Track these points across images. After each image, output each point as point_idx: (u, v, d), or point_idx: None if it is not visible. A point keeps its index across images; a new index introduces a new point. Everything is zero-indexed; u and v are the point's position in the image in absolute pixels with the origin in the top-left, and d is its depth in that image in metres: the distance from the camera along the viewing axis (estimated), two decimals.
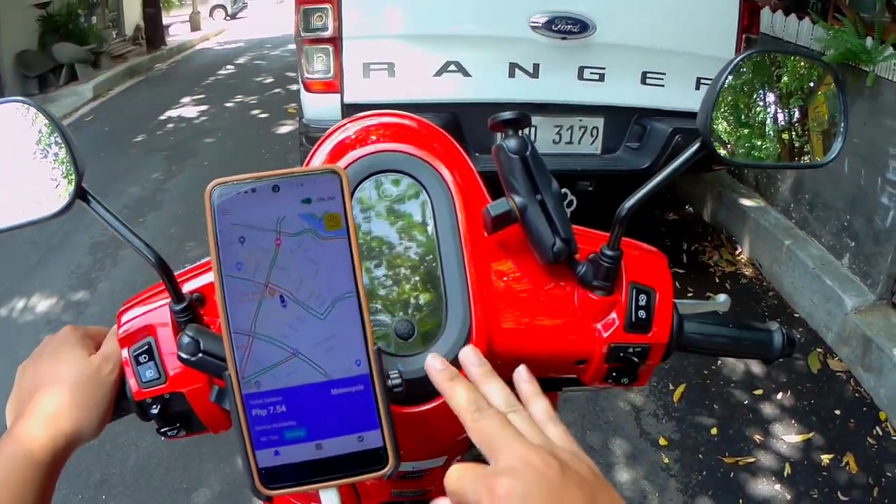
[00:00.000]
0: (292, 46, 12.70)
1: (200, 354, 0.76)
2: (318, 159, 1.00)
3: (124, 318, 0.95)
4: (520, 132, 0.91)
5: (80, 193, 0.88)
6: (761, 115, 0.98)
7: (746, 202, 5.34)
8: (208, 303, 0.94)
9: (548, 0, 3.94)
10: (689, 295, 4.55)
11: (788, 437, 3.51)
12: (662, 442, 3.49)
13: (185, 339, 0.77)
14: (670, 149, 4.15)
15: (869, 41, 4.10)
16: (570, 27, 3.96)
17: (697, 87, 4.23)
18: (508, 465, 0.61)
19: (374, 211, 0.89)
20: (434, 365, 0.72)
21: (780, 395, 3.78)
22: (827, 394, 3.79)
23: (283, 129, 9.19)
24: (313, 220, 0.68)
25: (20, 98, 0.93)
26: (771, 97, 0.98)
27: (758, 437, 3.52)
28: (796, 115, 0.99)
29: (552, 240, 0.88)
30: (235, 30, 25.43)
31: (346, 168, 0.89)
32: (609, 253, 0.90)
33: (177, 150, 8.63)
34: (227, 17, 31.53)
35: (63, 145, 0.90)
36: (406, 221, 0.89)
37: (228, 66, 15.62)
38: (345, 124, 1.06)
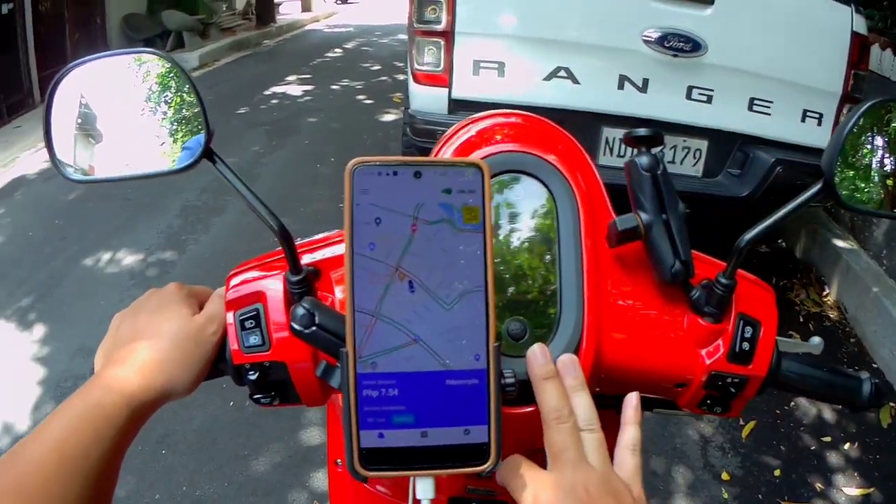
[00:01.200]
0: (402, 35, 12.67)
1: (314, 328, 0.76)
2: (454, 145, 1.00)
3: (234, 282, 0.95)
4: (653, 150, 0.91)
5: (208, 153, 0.89)
6: (880, 163, 0.96)
7: (839, 243, 5.22)
8: (323, 278, 0.94)
9: (662, 15, 3.91)
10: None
11: (849, 490, 3.42)
12: (725, 476, 3.43)
13: (301, 311, 0.77)
14: (771, 179, 4.08)
15: None
16: (682, 45, 3.92)
17: (803, 119, 4.16)
18: (558, 483, 0.65)
19: (498, 210, 0.88)
20: (536, 357, 0.73)
21: (847, 446, 3.69)
22: (893, 450, 3.69)
23: (387, 117, 9.18)
24: (452, 210, 0.68)
25: (154, 50, 0.95)
26: (890, 146, 0.96)
27: (819, 485, 3.44)
28: None
29: (672, 261, 0.87)
30: (346, 14, 25.59)
31: None
32: (724, 282, 0.89)
33: (278, 126, 8.71)
34: (339, 2, 31.72)
35: (195, 102, 0.92)
36: (528, 223, 0.88)
37: (336, 50, 15.68)
38: (469, 123, 1.06)
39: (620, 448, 0.70)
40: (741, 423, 3.74)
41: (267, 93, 10.62)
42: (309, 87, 11.08)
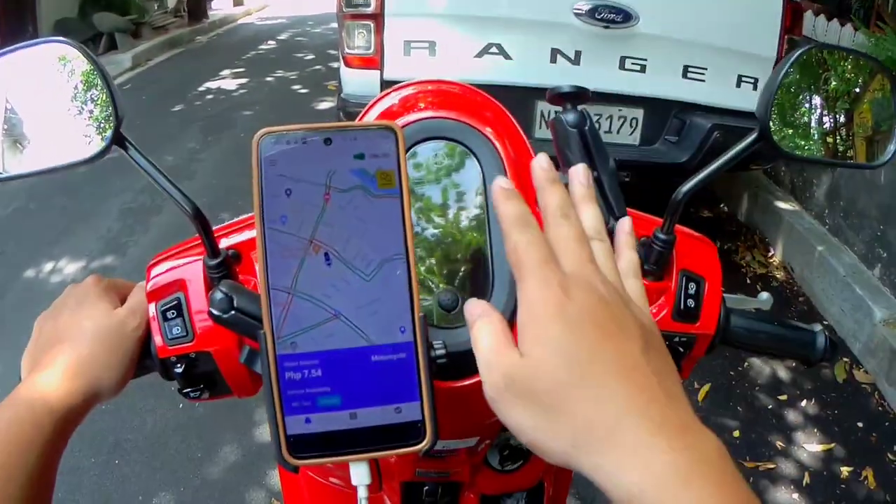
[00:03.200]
0: (334, 25, 12.70)
1: (233, 312, 0.73)
2: (374, 113, 0.98)
3: (154, 272, 0.93)
4: (578, 106, 0.89)
5: (118, 139, 0.86)
6: (814, 112, 0.97)
7: (781, 205, 5.28)
8: (244, 260, 0.92)
9: None
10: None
11: (810, 446, 3.47)
12: None
13: (219, 295, 0.74)
14: (709, 144, 4.13)
15: None
16: (613, 16, 3.93)
17: (738, 85, 4.20)
18: (573, 273, 0.56)
19: (422, 178, 0.86)
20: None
21: (804, 403, 3.74)
22: (851, 405, 3.74)
23: (323, 105, 9.17)
24: (365, 176, 0.65)
25: (62, 38, 0.93)
26: (824, 94, 0.97)
27: (779, 444, 3.48)
28: (845, 115, 0.99)
29: (607, 218, 0.85)
30: (278, 6, 25.44)
31: None
32: (662, 237, 0.88)
33: (214, 122, 8.66)
34: None
35: (104, 88, 0.89)
36: (454, 191, 0.86)
37: (270, 42, 15.66)
38: (391, 91, 1.03)
39: (622, 276, 0.62)
40: (696, 386, 3.76)
41: (201, 89, 10.55)
42: (243, 81, 11.07)
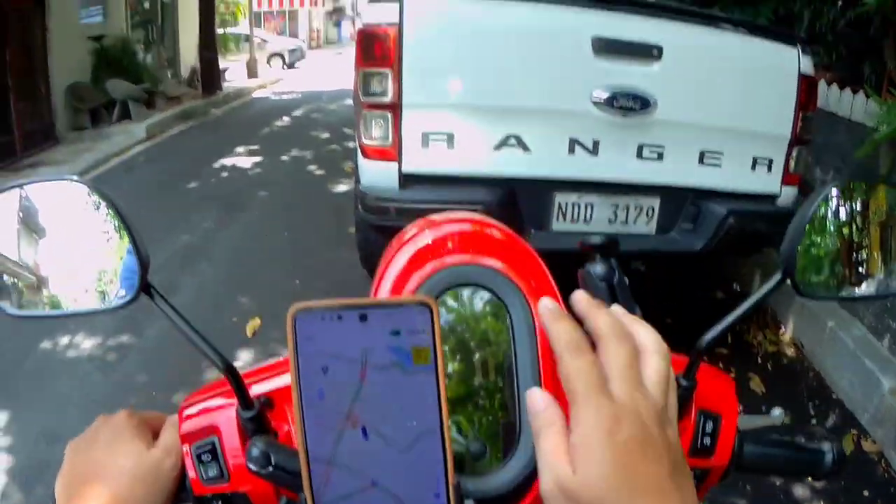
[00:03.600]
0: (349, 101, 12.82)
1: (271, 468, 0.74)
2: (397, 265, 0.98)
3: (187, 413, 0.94)
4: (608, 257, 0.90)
5: (145, 287, 0.87)
6: (841, 249, 0.96)
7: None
8: (276, 407, 0.93)
9: (610, 74, 3.90)
10: (732, 375, 4.51)
11: None
12: None
13: (255, 452, 0.75)
14: (724, 231, 4.11)
15: None
16: (631, 104, 3.91)
17: (753, 167, 4.20)
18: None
19: (451, 326, 0.86)
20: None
21: (810, 477, 3.71)
22: (857, 474, 3.73)
23: (340, 188, 9.21)
24: (401, 353, 0.65)
25: (78, 178, 0.92)
26: (853, 228, 0.96)
27: None
28: (874, 248, 0.98)
29: None
30: (292, 79, 25.89)
31: (426, 279, 0.87)
32: (684, 384, 0.88)
33: (230, 201, 8.72)
34: (285, 66, 32.25)
35: (124, 232, 0.88)
36: (483, 339, 0.85)
37: (285, 118, 15.90)
38: (423, 228, 1.06)
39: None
40: None
41: (216, 165, 10.68)
42: (258, 159, 11.17)
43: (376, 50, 3.86)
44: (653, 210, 4.23)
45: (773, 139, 4.19)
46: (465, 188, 3.96)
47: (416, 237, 1.03)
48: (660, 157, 4.10)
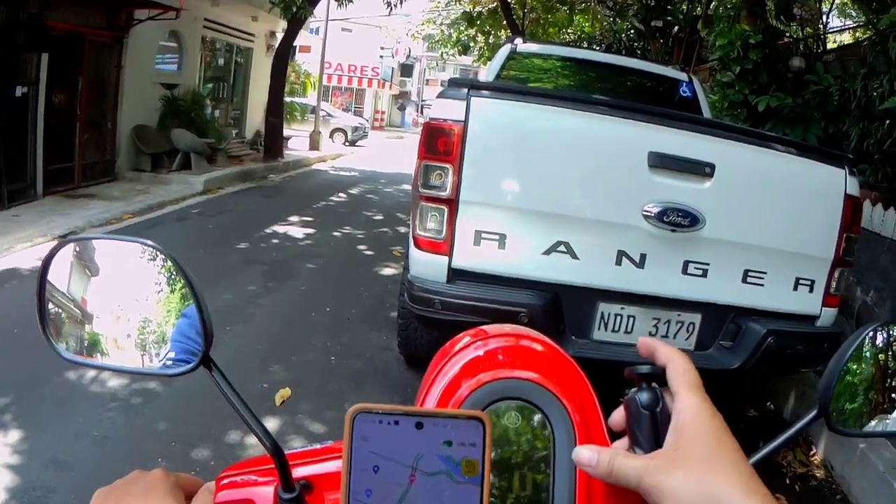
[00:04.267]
0: (406, 186, 12.85)
1: None
2: (448, 374, 1.01)
3: (224, 482, 0.96)
4: (653, 385, 0.90)
5: (205, 360, 0.90)
6: (880, 387, 0.98)
7: None
8: (315, 492, 0.95)
9: (662, 189, 3.94)
10: None
11: None
12: None
13: None
14: (762, 350, 4.07)
15: None
16: (680, 219, 3.93)
17: (795, 288, 4.18)
18: None
19: (495, 438, 0.89)
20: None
21: None
22: None
23: (387, 271, 9.21)
24: (451, 463, 0.68)
25: (156, 245, 0.96)
26: (889, 368, 0.98)
27: None
28: None
29: None
30: (352, 157, 26.04)
31: (475, 390, 0.91)
32: None
33: (276, 267, 8.75)
34: (346, 143, 32.52)
35: (193, 303, 0.91)
36: (524, 453, 0.89)
37: (341, 194, 15.99)
38: (475, 339, 1.09)
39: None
40: None
41: (268, 231, 10.75)
42: (310, 231, 11.22)
43: (440, 144, 3.93)
44: (693, 326, 4.22)
45: (816, 260, 4.18)
46: (511, 289, 3.99)
47: (468, 348, 1.06)
48: (704, 273, 4.10)
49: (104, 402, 4.82)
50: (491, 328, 1.13)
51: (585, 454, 0.79)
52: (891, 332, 0.99)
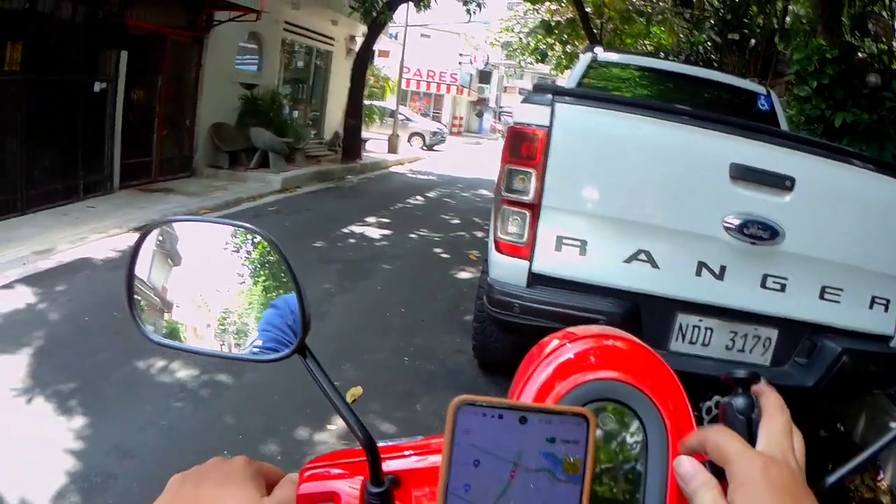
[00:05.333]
0: (483, 190, 12.81)
1: None
2: (541, 375, 1.00)
3: (308, 474, 0.96)
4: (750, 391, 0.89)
5: (301, 347, 0.90)
6: None
7: None
8: (403, 487, 0.95)
9: (743, 201, 3.91)
10: None
11: None
12: None
13: None
14: (837, 368, 4.02)
15: None
16: (761, 232, 3.89)
17: (871, 306, 4.11)
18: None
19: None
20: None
21: None
22: None
23: (463, 275, 9.19)
24: (553, 460, 0.67)
25: (260, 231, 0.97)
26: None
27: None
28: None
29: None
30: (430, 161, 26.00)
31: (570, 391, 0.91)
32: None
33: (352, 267, 8.79)
34: (424, 147, 32.64)
35: (292, 288, 0.92)
36: (617, 451, 0.89)
37: (418, 197, 16.01)
38: (565, 340, 1.08)
39: None
40: None
41: (345, 230, 10.81)
42: (387, 232, 11.25)
43: (524, 149, 3.95)
44: (770, 341, 4.17)
45: (893, 279, 4.12)
46: (591, 297, 3.99)
47: (559, 349, 1.06)
48: (782, 288, 4.06)
49: (172, 392, 4.89)
50: (579, 329, 1.11)
51: (687, 468, 0.77)
52: None
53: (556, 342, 1.08)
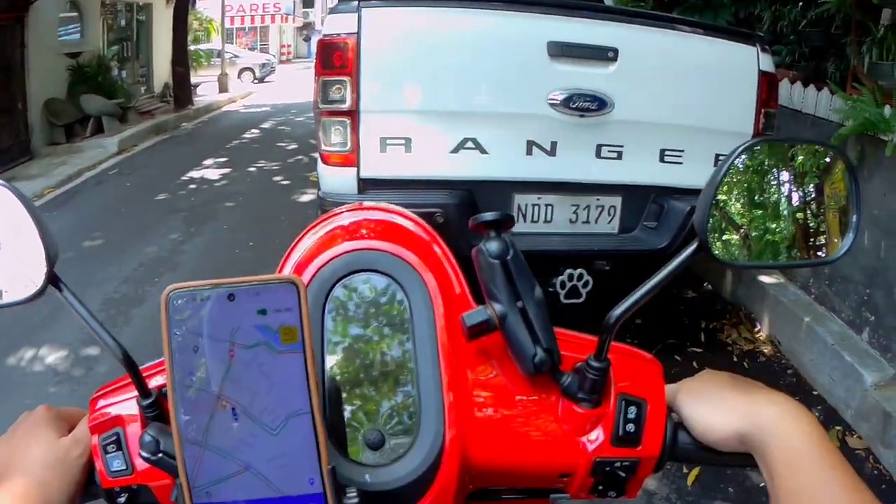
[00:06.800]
0: None
1: (160, 454, 0.75)
2: (306, 243, 0.99)
3: (97, 405, 0.94)
4: (502, 234, 0.87)
5: (52, 280, 0.86)
6: (763, 212, 0.95)
7: (765, 279, 5.30)
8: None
9: (566, 77, 3.92)
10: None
11: None
12: None
13: (147, 438, 0.76)
14: (688, 228, 4.07)
15: (888, 110, 4.10)
16: (588, 104, 3.93)
17: (715, 164, 4.10)
18: None
19: (350, 312, 0.86)
20: None
21: None
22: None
23: (305, 198, 9.25)
24: (268, 332, 0.66)
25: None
26: (774, 190, 0.95)
27: None
28: (808, 204, 0.96)
29: (533, 350, 0.83)
30: (262, 93, 25.83)
31: (325, 264, 0.88)
32: (595, 364, 0.85)
33: (197, 212, 8.75)
34: (255, 80, 32.30)
35: (35, 230, 0.87)
36: (382, 325, 0.86)
37: (253, 130, 15.93)
38: (341, 212, 1.06)
39: None
40: (685, 470, 3.71)
41: (185, 178, 10.70)
42: (226, 171, 11.21)
43: (336, 59, 3.87)
44: (614, 209, 4.24)
45: (735, 136, 4.13)
46: (423, 191, 3.96)
47: (332, 219, 1.03)
48: (619, 156, 4.11)
49: (48, 380, 4.81)
50: (369, 203, 1.08)
51: None
52: (758, 153, 0.95)
53: (315, 222, 1.06)
